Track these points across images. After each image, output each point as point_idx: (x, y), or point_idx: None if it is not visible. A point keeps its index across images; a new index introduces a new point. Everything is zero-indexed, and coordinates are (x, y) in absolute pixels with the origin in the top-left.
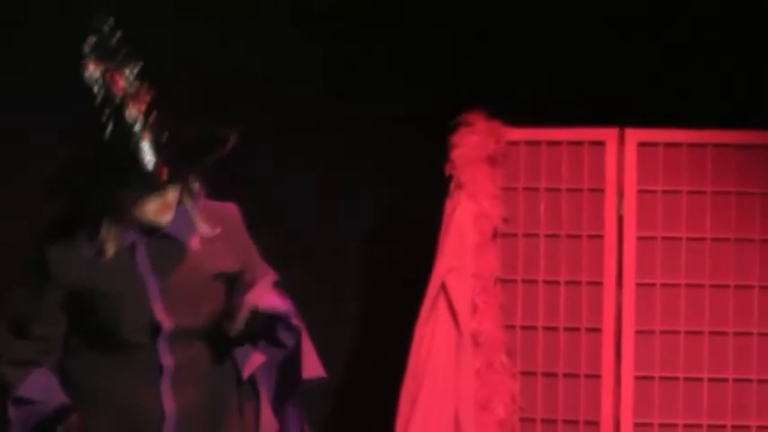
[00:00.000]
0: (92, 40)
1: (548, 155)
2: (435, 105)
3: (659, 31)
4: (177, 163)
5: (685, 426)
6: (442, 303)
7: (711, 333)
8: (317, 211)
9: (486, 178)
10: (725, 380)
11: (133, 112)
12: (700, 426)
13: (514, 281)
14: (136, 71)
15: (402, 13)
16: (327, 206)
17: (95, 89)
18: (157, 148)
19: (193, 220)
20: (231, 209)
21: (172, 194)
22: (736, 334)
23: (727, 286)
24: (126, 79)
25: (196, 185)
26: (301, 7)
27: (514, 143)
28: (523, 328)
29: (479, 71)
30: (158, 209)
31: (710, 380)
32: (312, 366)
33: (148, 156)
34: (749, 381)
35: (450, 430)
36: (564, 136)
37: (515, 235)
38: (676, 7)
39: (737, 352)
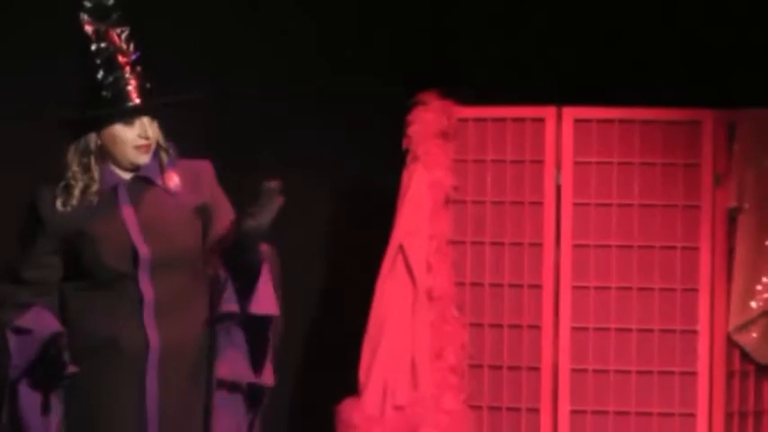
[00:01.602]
0: (89, 2)
1: (493, 130)
2: (396, 85)
3: (595, 16)
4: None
5: (617, 371)
6: (400, 262)
7: (640, 288)
8: (297, 180)
9: (440, 151)
10: (651, 330)
11: (122, 61)
12: (629, 371)
13: (464, 242)
14: (125, 35)
15: (365, 6)
16: (303, 176)
17: (91, 44)
18: (142, 88)
19: (166, 171)
20: (204, 164)
21: (152, 132)
22: (662, 290)
23: (653, 247)
24: (117, 36)
25: (172, 149)
26: None
27: (464, 120)
28: (472, 284)
29: (435, 57)
30: (139, 149)
31: (639, 330)
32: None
33: (134, 93)
34: (673, 331)
35: (407, 375)
36: (508, 113)
37: (465, 201)
38: None
39: (662, 305)
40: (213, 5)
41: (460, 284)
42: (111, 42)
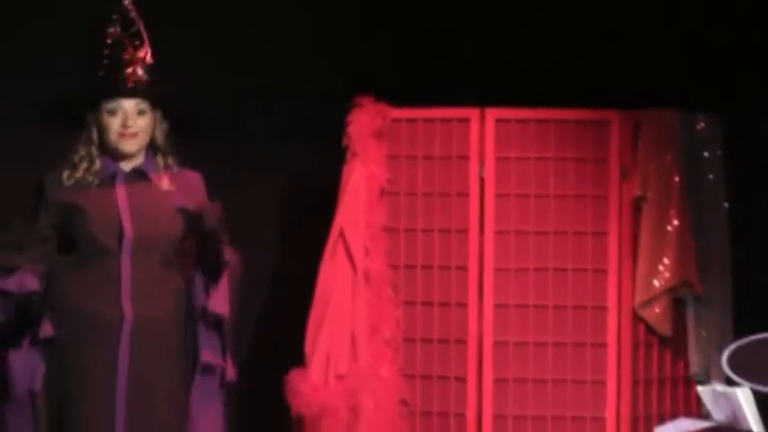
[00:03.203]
0: (116, 14)
1: (423, 129)
2: (339, 91)
3: (518, 25)
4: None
5: (535, 343)
6: (340, 248)
7: (555, 270)
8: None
9: (375, 148)
10: (565, 307)
11: (127, 63)
12: (546, 343)
13: (398, 229)
14: (138, 44)
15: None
16: (259, 169)
17: (105, 49)
18: (134, 83)
19: (161, 171)
20: (195, 175)
21: (134, 123)
22: (575, 270)
23: (566, 233)
24: (132, 46)
25: (171, 158)
26: None
27: (397, 120)
28: (405, 266)
29: (373, 64)
30: (122, 136)
31: (554, 307)
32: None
33: (123, 84)
34: (585, 307)
35: (348, 349)
36: (436, 114)
37: (398, 193)
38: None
39: (575, 284)
40: None
41: (395, 267)
42: (123, 49)
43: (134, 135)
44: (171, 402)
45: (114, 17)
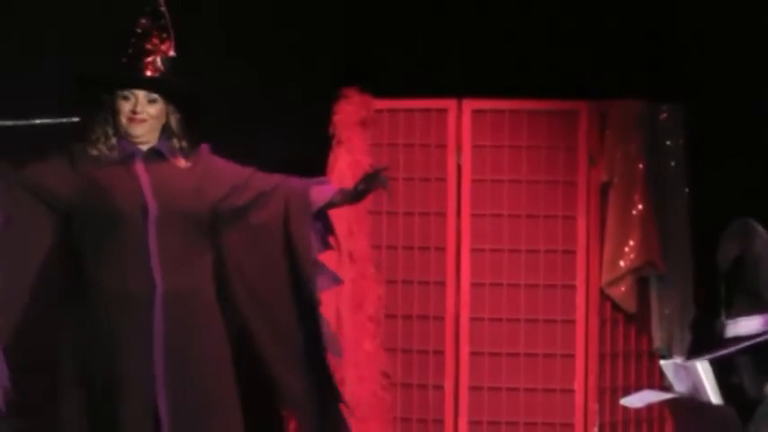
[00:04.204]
0: (148, 7)
1: (404, 119)
2: (326, 83)
3: (495, 18)
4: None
5: (508, 320)
6: None
7: (527, 251)
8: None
9: (359, 137)
10: (537, 285)
11: (147, 53)
12: (519, 320)
13: (381, 212)
14: (165, 36)
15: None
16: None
17: (135, 35)
18: (150, 72)
19: (177, 154)
20: (203, 148)
21: (143, 109)
22: (546, 251)
23: (538, 216)
24: (157, 38)
25: (185, 142)
26: None
27: (380, 110)
28: (388, 247)
29: (358, 58)
30: (131, 120)
31: (527, 285)
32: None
33: (136, 73)
34: (555, 286)
35: (334, 324)
36: (416, 105)
37: None
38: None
39: (546, 264)
40: None
41: (377, 247)
42: (149, 39)
43: (143, 120)
44: (211, 372)
45: (147, 9)
